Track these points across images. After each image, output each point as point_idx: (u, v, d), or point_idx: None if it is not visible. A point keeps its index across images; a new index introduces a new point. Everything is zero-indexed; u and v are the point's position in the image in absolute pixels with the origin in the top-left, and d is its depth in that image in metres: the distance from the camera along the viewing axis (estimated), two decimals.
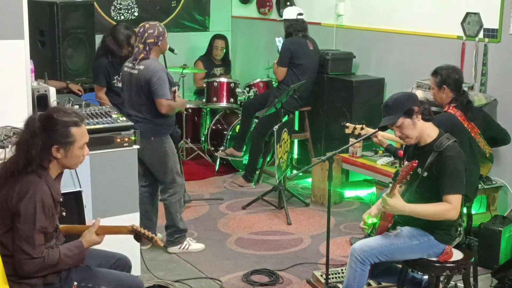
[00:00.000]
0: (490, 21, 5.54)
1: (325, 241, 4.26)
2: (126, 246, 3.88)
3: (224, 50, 7.95)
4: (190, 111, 7.37)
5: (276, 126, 5.66)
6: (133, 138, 4.21)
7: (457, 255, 3.75)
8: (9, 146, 3.58)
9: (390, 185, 3.81)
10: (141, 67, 4.71)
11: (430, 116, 3.73)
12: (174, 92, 4.94)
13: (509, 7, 5.37)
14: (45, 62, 6.47)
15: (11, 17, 4.00)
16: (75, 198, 3.91)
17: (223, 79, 7.19)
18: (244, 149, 6.88)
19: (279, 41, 6.67)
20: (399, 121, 3.67)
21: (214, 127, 7.20)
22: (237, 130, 6.98)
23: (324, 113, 6.76)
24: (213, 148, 7.18)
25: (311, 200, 6.23)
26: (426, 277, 3.84)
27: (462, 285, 3.89)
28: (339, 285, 4.29)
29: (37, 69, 4.84)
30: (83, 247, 3.16)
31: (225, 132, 7.07)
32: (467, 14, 5.73)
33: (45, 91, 4.28)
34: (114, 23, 7.18)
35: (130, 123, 4.29)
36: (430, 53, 6.04)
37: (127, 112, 4.82)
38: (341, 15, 7.06)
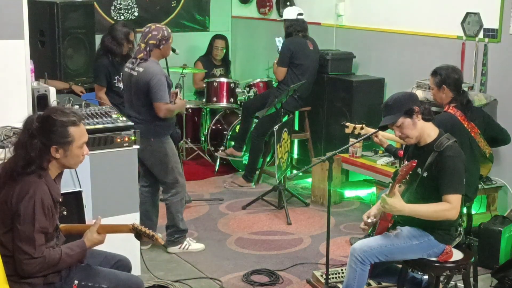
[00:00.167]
0: (490, 21, 5.54)
1: (325, 241, 4.26)
2: (126, 246, 3.88)
3: (224, 50, 7.95)
4: (190, 111, 7.37)
5: (276, 126, 5.66)
6: (133, 138, 4.21)
7: (457, 255, 3.75)
8: (9, 146, 3.58)
9: (390, 185, 3.81)
10: (141, 69, 4.70)
11: (430, 116, 3.73)
12: (176, 94, 4.94)
13: (509, 7, 5.37)
14: (45, 62, 6.48)
15: (11, 17, 4.00)
16: (75, 198, 3.91)
17: (223, 79, 7.19)
18: (244, 149, 6.88)
19: (279, 41, 6.68)
20: (399, 121, 3.67)
21: (214, 127, 7.20)
22: (237, 130, 6.98)
23: (324, 113, 6.76)
24: (213, 148, 7.18)
25: (311, 200, 6.23)
26: (426, 277, 3.84)
27: (462, 285, 3.89)
28: (339, 285, 4.29)
29: (37, 69, 4.84)
30: (85, 247, 3.17)
31: (225, 132, 7.07)
32: (467, 14, 5.73)
33: (45, 91, 4.28)
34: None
35: (130, 123, 4.29)
36: (430, 53, 6.04)
37: (128, 113, 4.82)
38: (341, 15, 7.06)
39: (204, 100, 7.22)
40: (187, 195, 5.80)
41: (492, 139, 4.83)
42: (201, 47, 8.09)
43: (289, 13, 6.54)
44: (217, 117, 7.24)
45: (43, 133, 3.04)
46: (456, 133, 4.05)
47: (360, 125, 5.01)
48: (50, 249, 3.05)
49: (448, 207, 3.53)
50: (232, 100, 7.12)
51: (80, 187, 3.97)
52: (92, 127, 4.06)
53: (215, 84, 7.09)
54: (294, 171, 6.27)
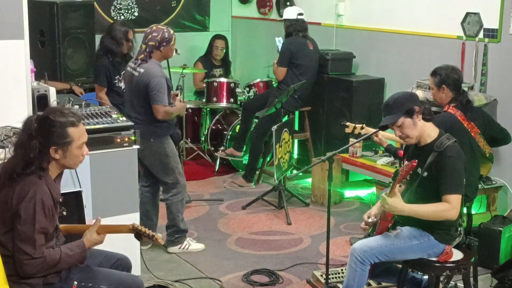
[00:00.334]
0: (490, 21, 5.54)
1: (325, 241, 4.26)
2: (126, 246, 3.88)
3: (224, 50, 7.95)
4: (190, 111, 7.37)
5: (275, 126, 5.65)
6: (133, 138, 4.21)
7: (457, 255, 3.74)
8: (9, 146, 3.58)
9: (390, 185, 3.81)
10: (141, 70, 4.70)
11: (431, 116, 3.73)
12: (176, 95, 4.93)
13: (509, 7, 5.37)
14: (45, 62, 6.48)
15: (11, 17, 4.01)
16: (75, 198, 3.91)
17: (223, 79, 7.19)
18: (244, 149, 6.88)
19: (279, 41, 6.68)
20: (400, 121, 3.67)
21: (214, 127, 7.20)
22: (237, 130, 6.98)
23: (324, 113, 6.76)
24: (213, 148, 7.18)
25: (311, 200, 6.23)
26: (426, 277, 3.84)
27: (462, 285, 3.89)
28: (339, 285, 4.29)
29: (37, 69, 4.84)
30: (85, 247, 3.17)
31: (225, 132, 7.07)
32: (467, 14, 5.73)
33: (45, 91, 4.29)
34: None
35: (130, 123, 4.29)
36: (430, 53, 6.04)
37: (128, 113, 4.82)
38: (341, 15, 7.06)
39: (204, 100, 7.23)
40: (187, 195, 5.80)
41: (492, 139, 4.83)
42: (201, 47, 8.09)
43: (289, 13, 6.54)
44: (217, 117, 7.24)
45: (42, 134, 3.04)
46: (456, 133, 4.05)
47: (360, 125, 5.01)
48: (50, 250, 3.05)
49: (448, 207, 3.53)
50: (232, 100, 7.12)
51: (80, 187, 3.97)
52: (92, 127, 4.06)
53: (215, 84, 7.09)
54: (294, 171, 6.27)
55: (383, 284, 4.30)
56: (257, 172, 6.71)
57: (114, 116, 4.31)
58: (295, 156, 7.31)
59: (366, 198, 6.35)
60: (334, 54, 6.75)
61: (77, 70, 6.78)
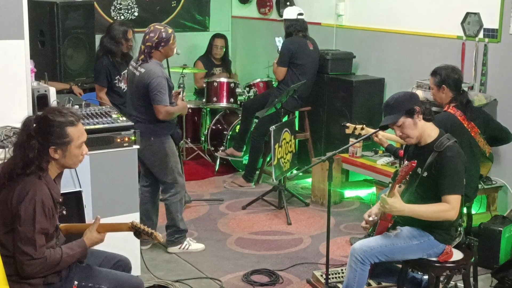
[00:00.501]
0: (490, 21, 5.54)
1: (325, 241, 4.26)
2: (126, 246, 3.89)
3: (224, 49, 7.95)
4: (190, 111, 7.36)
5: (273, 126, 5.65)
6: (133, 138, 4.21)
7: (457, 255, 3.74)
8: (9, 146, 3.58)
9: (390, 185, 3.81)
10: (142, 70, 4.70)
11: (431, 116, 3.73)
12: (178, 94, 4.92)
13: (509, 7, 5.37)
14: (45, 62, 6.48)
15: (11, 17, 4.01)
16: (75, 198, 3.91)
17: (223, 79, 7.19)
18: (244, 149, 6.88)
19: (279, 41, 6.68)
20: (400, 121, 3.67)
21: (214, 127, 7.20)
22: (237, 130, 6.98)
23: (324, 113, 6.76)
24: (213, 148, 7.18)
25: (311, 200, 6.23)
26: (426, 277, 3.84)
27: (462, 285, 3.89)
28: (339, 285, 4.29)
29: (37, 69, 4.84)
30: (85, 246, 3.17)
31: (225, 132, 7.07)
32: (467, 14, 5.73)
33: (45, 91, 4.29)
34: None
35: (130, 123, 4.29)
36: (430, 53, 6.04)
37: (129, 112, 4.82)
38: (341, 15, 7.06)
39: (204, 100, 7.23)
40: (187, 195, 5.81)
41: (493, 139, 4.83)
42: (201, 47, 8.10)
43: (289, 13, 6.54)
44: (217, 117, 7.24)
45: (41, 134, 3.04)
46: (456, 133, 4.05)
47: (361, 126, 5.01)
48: (51, 250, 3.05)
49: (448, 207, 3.54)
50: (232, 100, 7.12)
51: (80, 187, 3.97)
52: (92, 127, 4.06)
53: (215, 84, 7.10)
54: (294, 171, 6.27)
55: (383, 284, 4.30)
56: (257, 172, 6.71)
57: (114, 116, 4.31)
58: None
59: (366, 198, 6.35)
60: (334, 54, 6.75)
61: (77, 70, 6.78)
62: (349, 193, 6.43)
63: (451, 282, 4.12)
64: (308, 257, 5.00)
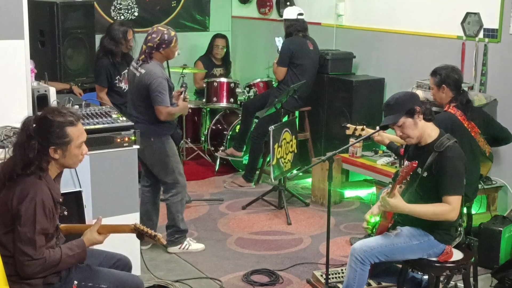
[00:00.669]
0: (490, 21, 5.54)
1: (325, 241, 4.26)
2: (126, 246, 3.88)
3: (225, 49, 7.95)
4: (190, 111, 7.35)
5: (272, 126, 5.65)
6: (133, 138, 4.21)
7: (457, 255, 3.74)
8: (9, 146, 3.58)
9: (390, 185, 3.81)
10: (143, 70, 4.69)
11: (431, 116, 3.73)
12: (181, 93, 4.92)
13: (509, 7, 5.37)
14: (45, 62, 6.48)
15: (11, 17, 4.01)
16: (75, 198, 3.91)
17: (223, 79, 7.20)
18: (244, 149, 6.88)
19: (279, 41, 6.68)
20: (401, 121, 3.67)
21: (214, 127, 7.20)
22: (237, 130, 6.98)
23: (324, 113, 6.76)
24: (213, 148, 7.18)
25: (311, 200, 6.23)
26: (426, 277, 3.84)
27: (462, 285, 3.89)
28: (339, 285, 4.29)
29: (37, 69, 4.84)
30: (85, 246, 3.16)
31: (225, 132, 7.07)
32: (467, 14, 5.73)
33: (45, 91, 4.29)
34: None
35: (130, 123, 4.28)
36: (430, 53, 6.04)
37: (129, 113, 4.82)
38: (341, 15, 7.06)
39: (204, 100, 7.23)
40: (187, 195, 5.80)
41: (493, 139, 4.83)
42: (201, 47, 8.10)
43: (289, 13, 6.54)
44: (217, 117, 7.24)
45: (40, 134, 3.03)
46: (456, 133, 4.06)
47: (361, 126, 5.01)
48: (51, 250, 3.04)
49: (448, 208, 3.54)
50: (232, 100, 7.12)
51: (80, 187, 3.97)
52: (92, 127, 4.06)
53: (215, 84, 7.10)
54: (294, 171, 6.28)
55: (383, 284, 4.30)
56: (257, 172, 6.71)
57: (114, 116, 4.31)
58: None
59: (366, 198, 6.35)
60: (334, 54, 6.75)
61: (77, 70, 6.79)
62: (349, 193, 6.43)
63: (451, 282, 4.12)
64: (308, 257, 5.00)
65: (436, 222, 3.62)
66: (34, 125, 3.06)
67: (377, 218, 3.82)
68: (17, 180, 3.01)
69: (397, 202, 3.54)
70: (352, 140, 5.32)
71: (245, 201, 6.11)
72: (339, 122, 6.10)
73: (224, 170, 7.08)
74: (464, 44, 5.78)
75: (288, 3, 7.65)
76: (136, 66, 4.77)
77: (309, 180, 6.51)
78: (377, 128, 4.13)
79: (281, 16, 6.96)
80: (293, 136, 6.04)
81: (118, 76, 6.17)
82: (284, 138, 5.87)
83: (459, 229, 3.77)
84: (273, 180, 5.86)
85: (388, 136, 4.75)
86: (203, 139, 7.41)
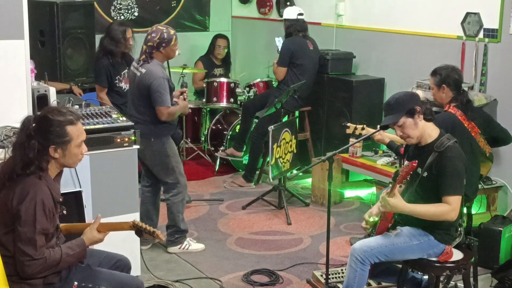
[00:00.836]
0: (490, 21, 5.54)
1: (325, 241, 4.26)
2: (126, 246, 3.89)
3: (226, 50, 7.95)
4: (190, 111, 7.36)
5: (272, 126, 5.65)
6: (133, 138, 4.21)
7: (457, 255, 3.74)
8: (9, 146, 3.58)
9: (390, 185, 3.81)
10: (143, 70, 4.69)
11: (432, 116, 3.73)
12: (181, 93, 4.91)
13: (509, 7, 5.37)
14: (45, 62, 6.48)
15: (11, 17, 4.01)
16: (75, 198, 3.91)
17: (223, 79, 7.20)
18: (244, 149, 6.88)
19: (279, 41, 6.68)
20: (401, 121, 3.67)
21: (214, 127, 7.20)
22: (237, 130, 6.98)
23: (324, 113, 6.77)
24: (213, 148, 7.18)
25: (311, 200, 6.23)
26: (426, 277, 3.84)
27: (462, 285, 3.89)
28: (339, 285, 4.29)
29: (37, 69, 4.84)
30: (85, 245, 3.16)
31: (225, 132, 7.07)
32: (467, 14, 5.73)
33: (45, 91, 4.29)
34: None
35: (130, 123, 4.28)
36: (430, 53, 6.04)
37: (130, 113, 4.82)
38: (341, 15, 7.06)
39: (204, 100, 7.23)
40: (188, 195, 5.80)
41: (493, 139, 4.83)
42: (201, 47, 8.09)
43: (290, 13, 6.54)
44: (217, 117, 7.24)
45: (40, 134, 3.03)
46: (456, 133, 4.05)
47: (361, 126, 5.01)
48: (51, 250, 3.04)
49: (448, 208, 3.53)
50: (232, 100, 7.12)
51: (80, 187, 3.97)
52: (92, 127, 4.06)
53: (215, 84, 7.10)
54: (294, 171, 6.28)
55: (383, 284, 4.30)
56: (257, 172, 6.71)
57: (114, 116, 4.31)
58: None
59: (366, 198, 6.35)
60: (334, 54, 6.75)
61: (77, 70, 6.79)
62: (349, 193, 6.43)
63: (451, 282, 4.12)
64: (308, 257, 5.00)
65: (436, 222, 3.62)
66: (34, 124, 3.06)
67: (376, 218, 3.83)
68: (17, 180, 3.01)
69: (397, 202, 3.54)
70: (352, 140, 5.32)
71: (245, 201, 6.11)
72: (339, 122, 6.10)
73: (224, 170, 7.08)
74: (464, 44, 5.78)
75: (288, 3, 7.65)
76: (136, 66, 4.77)
77: (309, 180, 6.51)
78: (378, 128, 4.13)
79: (281, 16, 6.96)
80: (293, 136, 6.04)
81: (118, 76, 6.17)
82: (284, 138, 5.87)
83: (459, 229, 3.77)
84: (271, 180, 5.85)
85: (389, 135, 4.75)
86: (203, 139, 7.41)
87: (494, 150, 4.96)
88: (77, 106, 4.36)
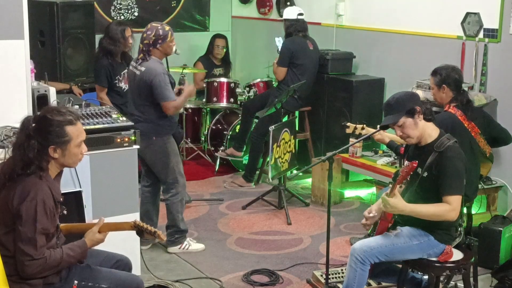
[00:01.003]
0: (490, 21, 5.54)
1: (325, 241, 4.26)
2: (126, 246, 3.89)
3: (225, 49, 7.95)
4: (190, 111, 7.38)
5: (272, 126, 5.65)
6: (133, 138, 4.21)
7: (457, 255, 3.74)
8: (9, 146, 3.58)
9: (390, 185, 3.81)
10: (143, 68, 4.70)
11: (432, 116, 3.73)
12: (180, 90, 4.91)
13: (509, 7, 5.37)
14: (45, 62, 6.48)
15: (11, 17, 4.01)
16: (75, 198, 3.91)
17: (223, 79, 7.20)
18: (244, 149, 6.88)
19: (279, 41, 6.68)
20: (401, 121, 3.67)
21: (214, 127, 7.20)
22: (237, 130, 6.98)
23: (324, 113, 6.76)
24: (213, 148, 7.18)
25: (311, 200, 6.23)
26: (426, 277, 3.84)
27: (462, 285, 3.89)
28: (339, 285, 4.29)
29: (37, 69, 4.84)
30: (86, 247, 3.17)
31: (225, 132, 7.07)
32: (467, 14, 5.73)
33: (45, 91, 4.29)
34: None
35: (130, 123, 4.29)
36: (430, 53, 6.04)
37: (131, 112, 4.82)
38: (341, 15, 7.06)
39: (204, 100, 7.23)
40: (187, 195, 5.81)
41: (493, 139, 4.83)
42: (201, 47, 8.09)
43: (290, 13, 6.54)
44: (217, 117, 7.24)
45: (40, 134, 3.03)
46: (456, 133, 4.06)
47: (361, 125, 5.01)
48: (51, 250, 3.04)
49: (448, 208, 3.53)
50: (232, 100, 7.12)
51: (80, 187, 3.97)
52: (92, 127, 4.06)
53: (215, 84, 7.10)
54: (294, 171, 6.28)
55: (383, 284, 4.30)
56: (257, 172, 6.71)
57: (114, 116, 4.31)
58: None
59: (366, 198, 6.35)
60: (334, 54, 6.75)
61: (77, 70, 6.79)
62: (349, 193, 6.43)
63: (451, 282, 4.12)
64: (308, 257, 5.00)
65: (436, 222, 3.62)
66: (34, 124, 3.06)
67: (375, 213, 3.82)
68: (18, 180, 3.01)
69: (397, 202, 3.54)
70: (352, 140, 5.32)
71: (245, 201, 6.11)
72: (339, 122, 6.10)
73: (224, 170, 7.08)
74: (464, 44, 5.78)
75: (288, 3, 7.65)
76: (135, 65, 4.77)
77: (309, 180, 6.51)
78: (378, 127, 4.13)
79: (281, 16, 6.96)
80: (292, 136, 6.05)
81: (118, 76, 6.17)
82: (283, 138, 5.87)
83: (459, 229, 3.77)
84: (270, 180, 5.86)
85: (389, 135, 4.75)
86: (203, 139, 7.41)
87: (494, 150, 4.96)
88: (77, 106, 4.36)
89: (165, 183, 4.93)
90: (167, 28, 4.75)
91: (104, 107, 4.57)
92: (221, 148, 7.03)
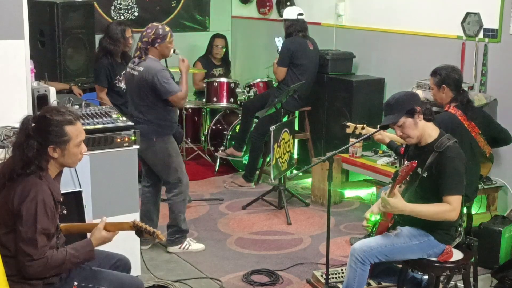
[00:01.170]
0: (490, 21, 5.54)
1: (325, 241, 4.26)
2: (126, 246, 3.88)
3: (224, 49, 7.95)
4: (190, 111, 7.38)
5: (273, 126, 5.65)
6: (133, 138, 4.21)
7: (457, 255, 3.74)
8: (9, 146, 3.58)
9: (390, 185, 3.80)
10: (141, 68, 4.70)
11: (432, 116, 3.73)
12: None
13: (509, 7, 5.37)
14: (45, 62, 6.48)
15: (11, 17, 4.01)
16: (75, 198, 3.91)
17: (223, 79, 7.20)
18: (244, 149, 6.88)
19: (279, 41, 6.68)
20: (401, 121, 3.67)
21: (214, 127, 7.20)
22: (237, 130, 6.98)
23: (324, 113, 6.76)
24: (213, 148, 7.18)
25: (311, 200, 6.23)
26: (426, 277, 3.84)
27: (462, 285, 3.89)
28: (339, 285, 4.29)
29: (37, 69, 4.84)
30: (92, 246, 3.15)
31: (225, 132, 7.07)
32: (467, 14, 5.73)
33: (45, 91, 4.29)
34: None
35: (130, 123, 4.29)
36: (430, 53, 6.04)
37: (131, 113, 4.82)
38: (341, 15, 7.06)
39: (204, 100, 7.23)
40: (188, 195, 5.80)
41: (493, 140, 4.83)
42: (201, 47, 8.09)
43: (290, 13, 6.54)
44: (217, 117, 7.24)
45: (39, 133, 3.03)
46: (456, 133, 4.05)
47: (361, 125, 5.01)
48: (54, 250, 3.04)
49: (448, 208, 3.53)
50: (232, 100, 7.12)
51: (80, 187, 3.97)
52: (92, 127, 4.06)
53: (215, 84, 7.10)
54: (294, 171, 6.27)
55: (383, 284, 4.30)
56: (257, 172, 6.71)
57: (114, 116, 4.31)
58: (295, 156, 7.31)
59: (366, 198, 6.35)
60: (334, 54, 6.75)
61: (77, 70, 6.79)
62: (349, 193, 6.43)
63: (451, 282, 4.12)
64: (308, 257, 5.00)
65: (436, 222, 3.62)
66: (33, 124, 3.05)
67: (377, 217, 3.82)
68: (18, 180, 3.01)
69: (397, 202, 3.54)
70: (352, 140, 5.32)
71: (245, 201, 6.11)
72: (339, 122, 6.10)
73: (224, 170, 7.08)
74: (464, 44, 5.78)
75: (288, 3, 7.65)
76: (132, 66, 4.78)
77: (309, 180, 6.51)
78: (378, 127, 4.13)
79: (281, 16, 6.96)
80: (291, 136, 6.05)
81: (118, 76, 6.17)
82: (283, 138, 5.87)
83: (459, 229, 3.77)
84: (272, 180, 5.86)
85: (389, 135, 4.75)
86: (203, 139, 7.41)
87: (494, 150, 4.96)
88: (77, 106, 4.36)
89: (168, 183, 4.93)
90: (167, 29, 4.76)
91: (104, 107, 4.57)
92: (221, 148, 7.04)
